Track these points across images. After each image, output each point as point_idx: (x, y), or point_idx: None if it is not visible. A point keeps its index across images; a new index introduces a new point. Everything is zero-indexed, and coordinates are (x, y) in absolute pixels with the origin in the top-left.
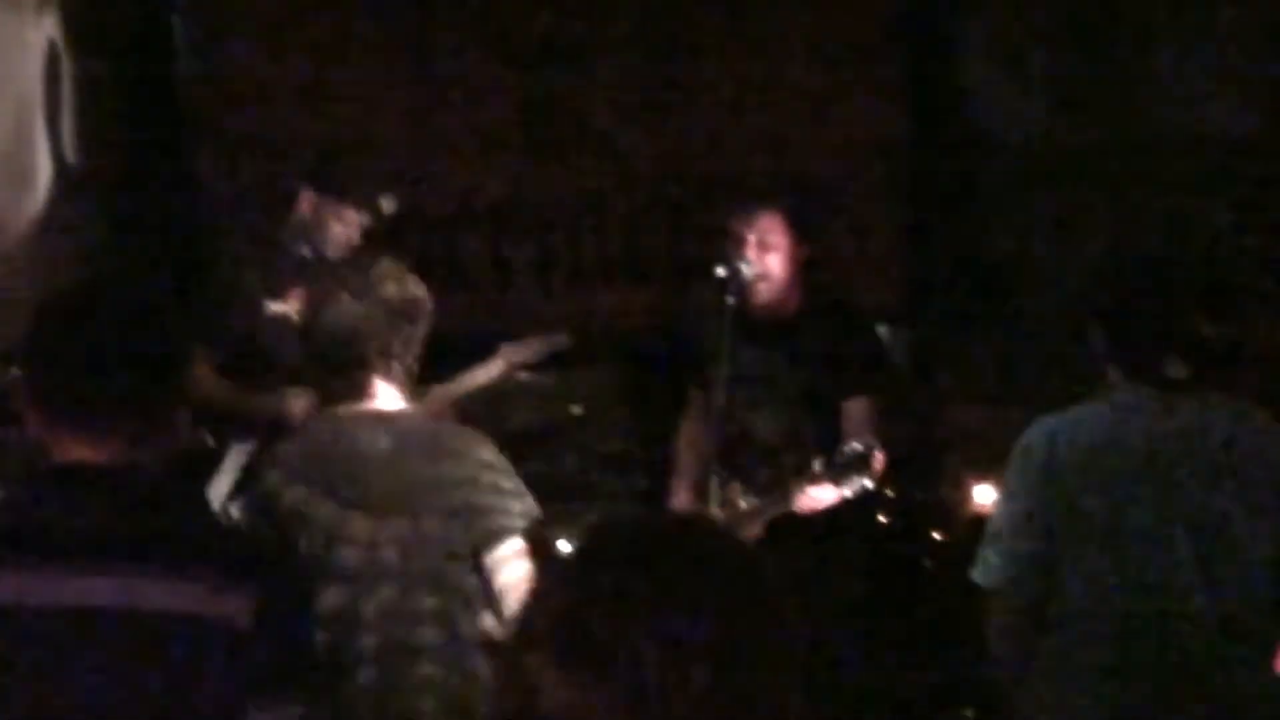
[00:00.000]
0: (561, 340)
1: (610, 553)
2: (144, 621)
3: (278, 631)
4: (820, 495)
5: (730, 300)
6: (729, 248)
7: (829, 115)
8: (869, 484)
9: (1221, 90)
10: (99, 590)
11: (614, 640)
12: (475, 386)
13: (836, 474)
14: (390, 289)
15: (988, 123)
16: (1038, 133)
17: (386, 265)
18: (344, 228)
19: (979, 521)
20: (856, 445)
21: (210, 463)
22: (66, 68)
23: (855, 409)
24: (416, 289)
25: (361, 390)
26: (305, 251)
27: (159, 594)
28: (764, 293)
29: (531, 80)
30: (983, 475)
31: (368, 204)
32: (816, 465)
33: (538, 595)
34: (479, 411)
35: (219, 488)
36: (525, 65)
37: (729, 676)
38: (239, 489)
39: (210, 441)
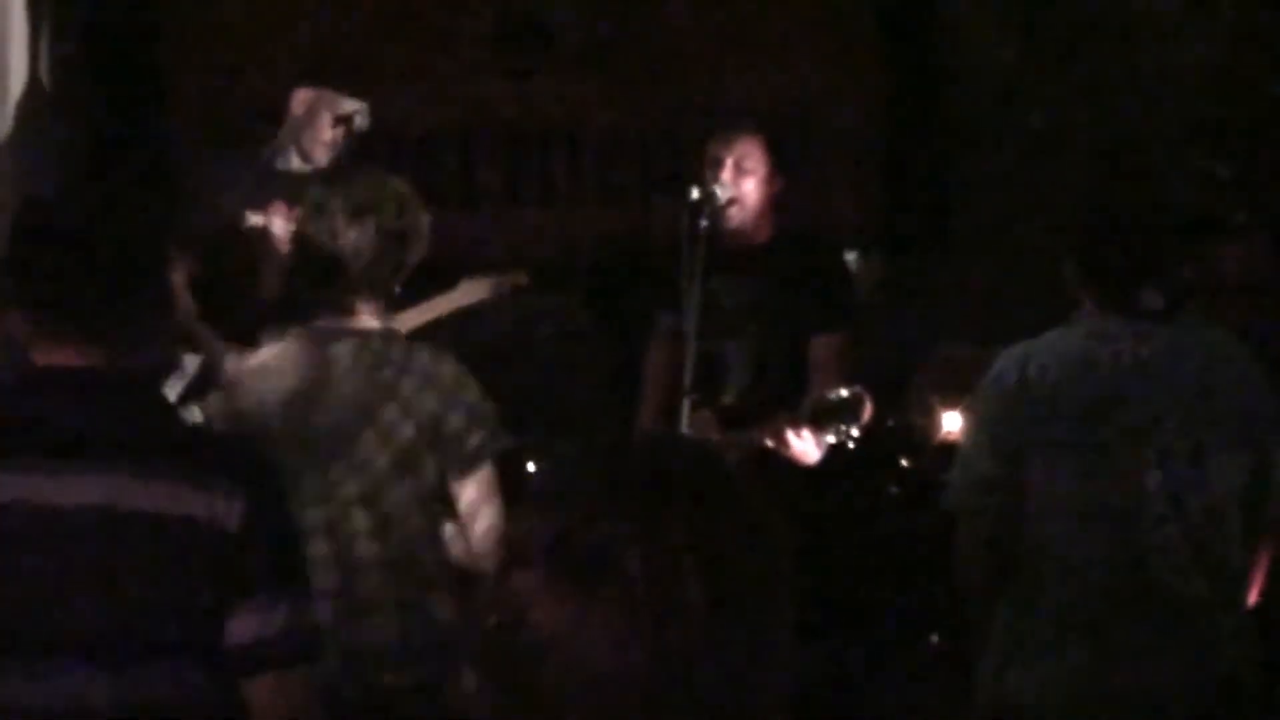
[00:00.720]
0: (521, 279)
1: (596, 473)
2: (129, 521)
3: (266, 534)
4: (800, 445)
5: (703, 223)
6: (704, 170)
7: (806, 43)
8: (855, 432)
9: (1197, 27)
10: (83, 489)
11: (603, 559)
12: (435, 316)
13: (820, 421)
14: (390, 211)
15: (964, 56)
16: (1013, 67)
17: (391, 187)
18: (337, 127)
19: (947, 448)
20: (844, 392)
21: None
22: None
23: (823, 343)
24: (417, 214)
25: (343, 310)
26: (294, 163)
27: (145, 495)
28: (736, 218)
29: (504, 2)
30: (952, 402)
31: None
32: (802, 410)
33: (530, 512)
34: (443, 332)
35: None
36: None
37: (721, 592)
38: (187, 398)
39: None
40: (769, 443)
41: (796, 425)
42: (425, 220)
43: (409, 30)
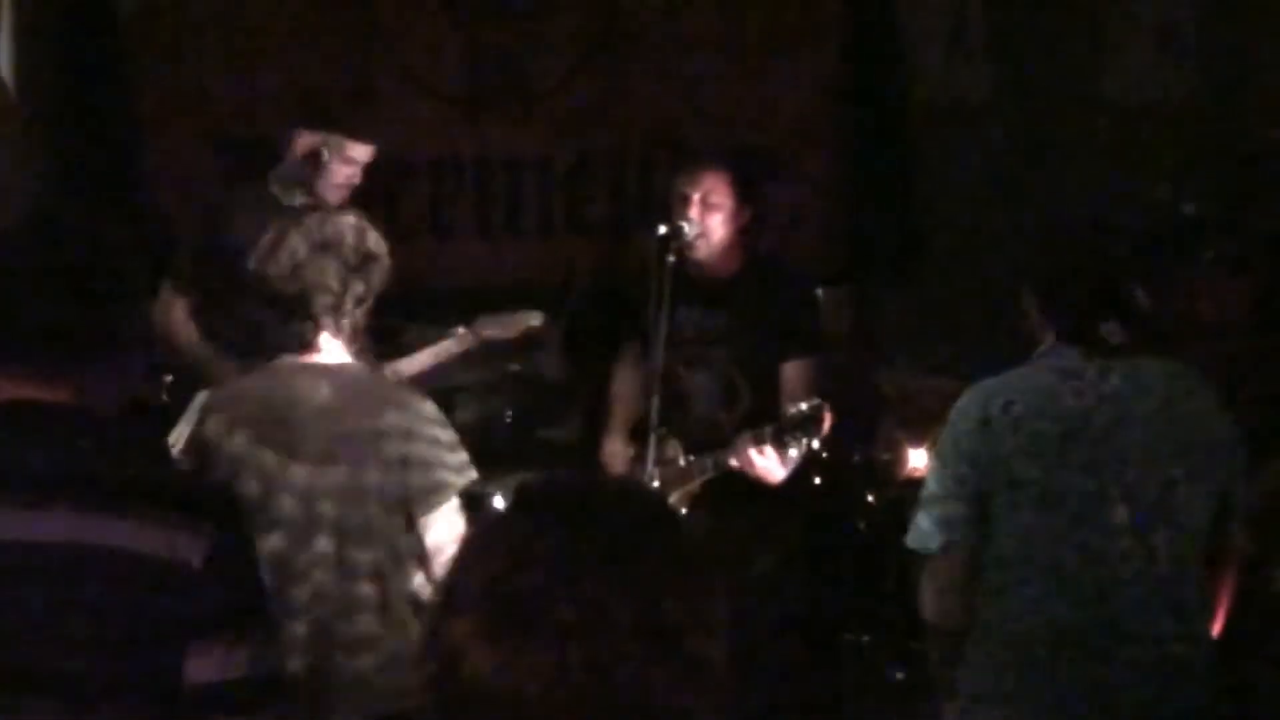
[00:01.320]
0: (536, 319)
1: (539, 517)
2: (91, 558)
3: (230, 574)
4: (765, 463)
5: (671, 258)
6: (672, 206)
7: (771, 76)
8: (815, 444)
9: (1165, 63)
10: (45, 525)
11: (539, 607)
12: (445, 359)
13: (783, 434)
14: (348, 243)
15: (930, 90)
16: (978, 98)
17: (350, 218)
18: (348, 168)
19: (913, 484)
20: (805, 405)
21: (165, 413)
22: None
23: (793, 371)
24: (376, 244)
25: (307, 343)
26: (300, 199)
27: (107, 531)
28: (703, 251)
29: (474, 35)
30: (918, 439)
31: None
32: (765, 430)
33: (463, 559)
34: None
35: (180, 434)
36: (468, 20)
37: (653, 635)
38: None
39: (165, 391)
40: (733, 463)
41: (759, 442)
42: (384, 250)
43: (378, 63)
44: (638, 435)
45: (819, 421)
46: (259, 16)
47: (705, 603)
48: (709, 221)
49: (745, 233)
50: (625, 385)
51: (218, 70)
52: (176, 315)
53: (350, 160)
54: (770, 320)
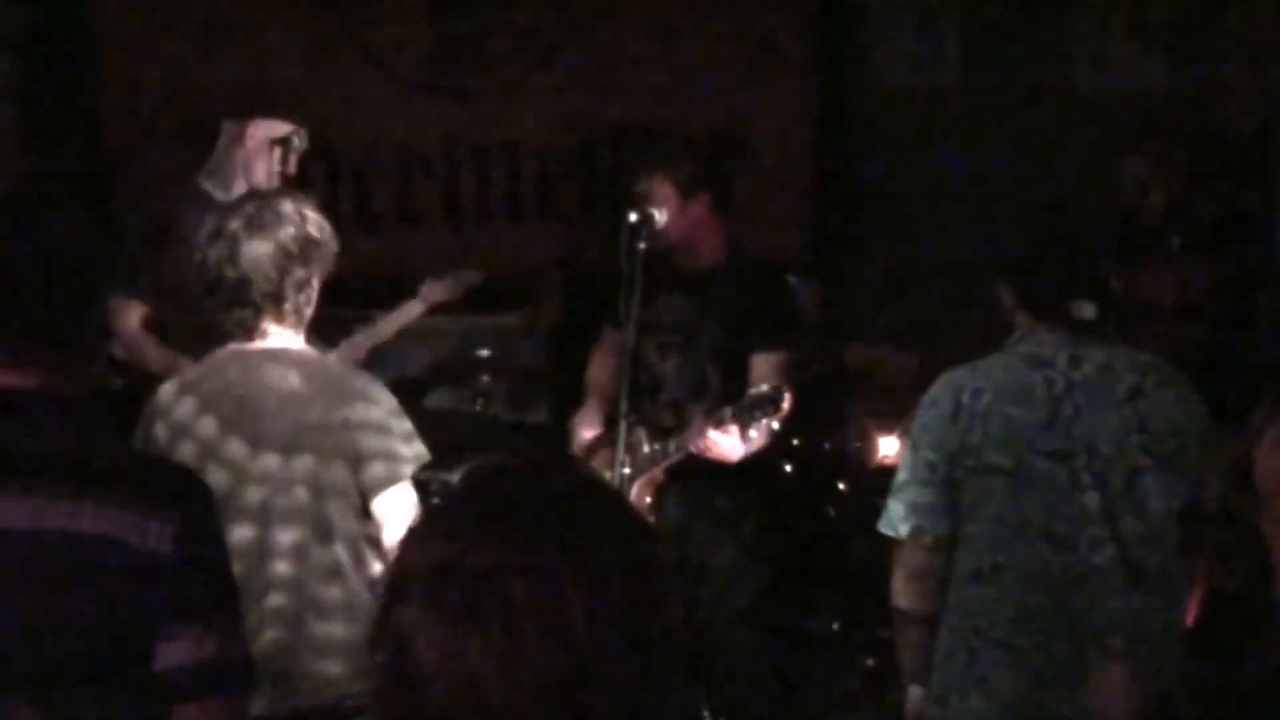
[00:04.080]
0: (476, 276)
1: (487, 500)
2: (58, 544)
3: (199, 560)
4: (725, 442)
5: (641, 245)
6: (636, 196)
7: (739, 64)
8: (775, 425)
9: (1133, 52)
10: (11, 511)
11: (487, 587)
12: (397, 327)
13: (742, 416)
14: (286, 229)
15: (894, 77)
16: (948, 86)
17: (289, 203)
18: (270, 151)
19: (884, 472)
20: (764, 387)
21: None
22: None
23: (763, 363)
24: (315, 230)
25: (250, 330)
26: (221, 195)
27: (75, 517)
28: (673, 241)
29: (443, 22)
30: (888, 426)
31: (298, 130)
32: (724, 409)
33: (408, 545)
34: (386, 352)
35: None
36: (438, 7)
37: (605, 617)
38: None
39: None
40: (693, 447)
41: (718, 424)
42: (328, 236)
43: (347, 50)
44: (610, 421)
45: (777, 402)
46: (221, 8)
47: (655, 582)
48: (661, 215)
49: (719, 222)
50: (600, 370)
51: (185, 56)
52: (130, 323)
53: (276, 140)
54: (743, 311)
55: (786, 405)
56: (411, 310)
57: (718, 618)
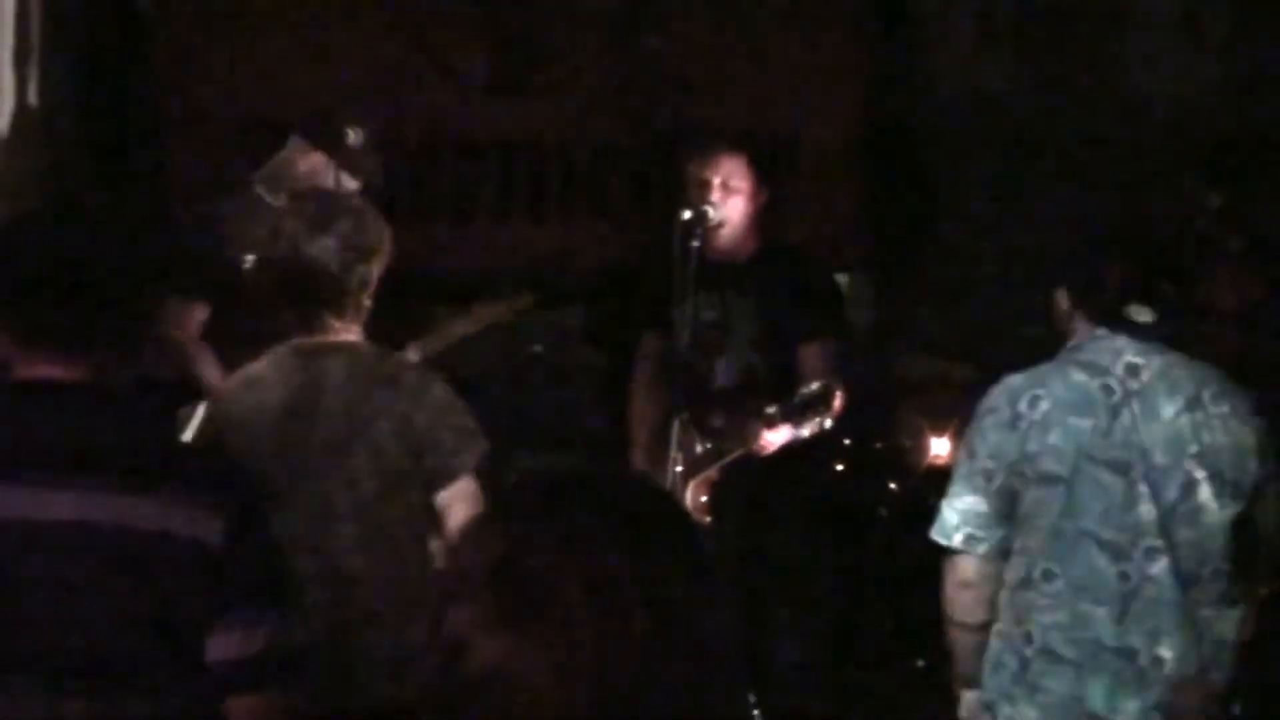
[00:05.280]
0: (528, 300)
1: (542, 503)
2: (108, 536)
3: (248, 551)
4: (779, 440)
5: (695, 244)
6: (692, 192)
7: (793, 68)
8: (828, 423)
9: (1187, 52)
10: (62, 504)
11: (545, 590)
12: (449, 341)
13: (794, 414)
14: (345, 226)
15: (948, 78)
16: (1002, 91)
17: (347, 201)
18: (328, 175)
19: (935, 472)
20: (814, 385)
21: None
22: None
23: (811, 352)
24: (374, 227)
25: (313, 326)
26: (273, 200)
27: (125, 510)
28: (724, 237)
29: (497, 19)
30: (940, 426)
31: (365, 164)
32: (773, 407)
33: (464, 547)
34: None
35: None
36: (492, 3)
37: (663, 620)
38: None
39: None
40: (748, 447)
41: (770, 424)
42: (385, 232)
43: (405, 46)
44: (662, 433)
45: (828, 399)
46: (282, 3)
47: (709, 585)
48: (729, 205)
49: (760, 216)
50: (645, 384)
51: (242, 58)
52: (190, 327)
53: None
54: (788, 303)
55: (838, 403)
56: (465, 329)
57: (777, 616)
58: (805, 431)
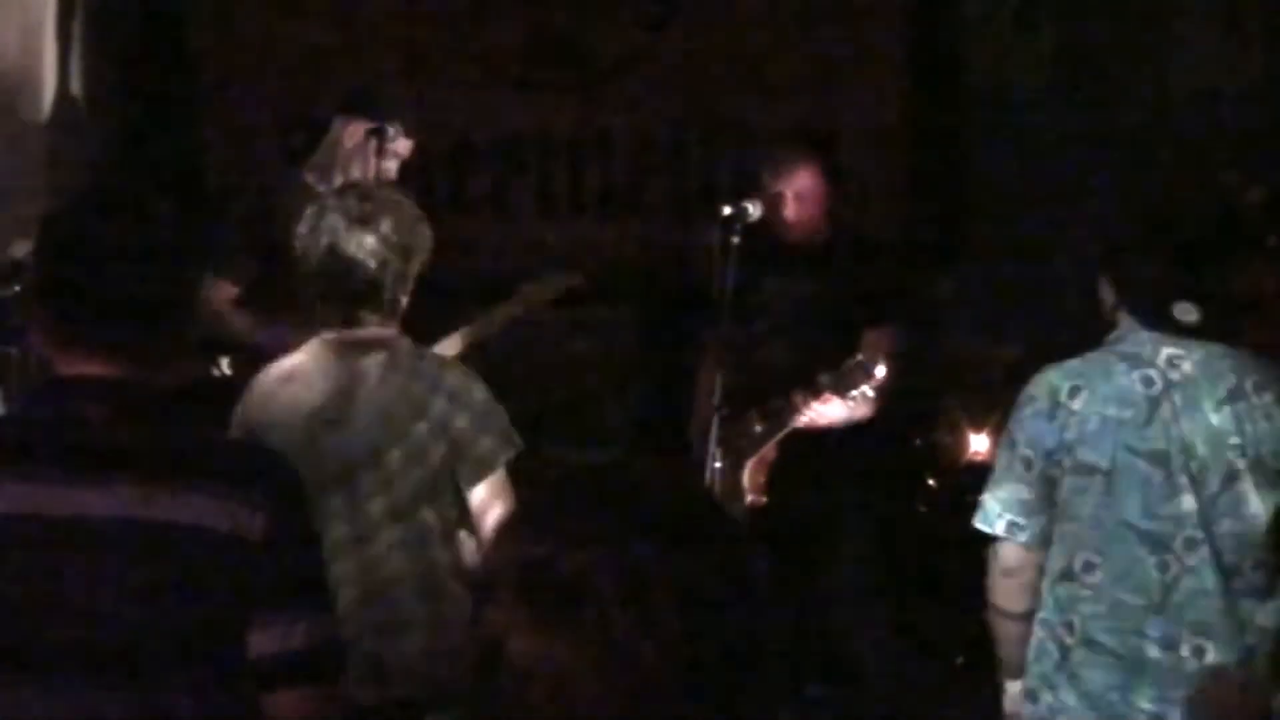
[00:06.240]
0: (575, 278)
1: (577, 499)
2: (149, 532)
3: (288, 547)
4: (829, 411)
5: (735, 239)
6: (759, 196)
7: (833, 62)
8: (869, 391)
9: (1229, 49)
10: (103, 499)
11: (580, 586)
12: (495, 329)
13: (838, 386)
14: (384, 222)
15: (990, 72)
16: (1043, 85)
17: (386, 196)
18: (389, 161)
19: (974, 469)
20: (857, 357)
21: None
22: None
23: (873, 338)
24: (415, 224)
25: (349, 320)
26: (323, 187)
27: (166, 505)
28: (795, 233)
29: (536, 14)
30: (980, 422)
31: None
32: (819, 381)
33: (498, 546)
34: (492, 347)
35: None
36: (530, 2)
37: (696, 619)
38: None
39: (227, 369)
40: (799, 421)
41: (819, 394)
42: (425, 229)
43: (444, 44)
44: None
45: (870, 370)
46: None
47: (748, 584)
48: (806, 212)
49: (831, 207)
50: (708, 378)
51: (280, 49)
52: (217, 298)
53: (394, 154)
54: (855, 288)
55: (880, 373)
56: (511, 311)
57: (837, 605)
58: (851, 401)
